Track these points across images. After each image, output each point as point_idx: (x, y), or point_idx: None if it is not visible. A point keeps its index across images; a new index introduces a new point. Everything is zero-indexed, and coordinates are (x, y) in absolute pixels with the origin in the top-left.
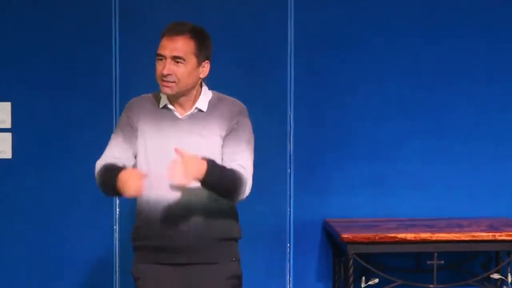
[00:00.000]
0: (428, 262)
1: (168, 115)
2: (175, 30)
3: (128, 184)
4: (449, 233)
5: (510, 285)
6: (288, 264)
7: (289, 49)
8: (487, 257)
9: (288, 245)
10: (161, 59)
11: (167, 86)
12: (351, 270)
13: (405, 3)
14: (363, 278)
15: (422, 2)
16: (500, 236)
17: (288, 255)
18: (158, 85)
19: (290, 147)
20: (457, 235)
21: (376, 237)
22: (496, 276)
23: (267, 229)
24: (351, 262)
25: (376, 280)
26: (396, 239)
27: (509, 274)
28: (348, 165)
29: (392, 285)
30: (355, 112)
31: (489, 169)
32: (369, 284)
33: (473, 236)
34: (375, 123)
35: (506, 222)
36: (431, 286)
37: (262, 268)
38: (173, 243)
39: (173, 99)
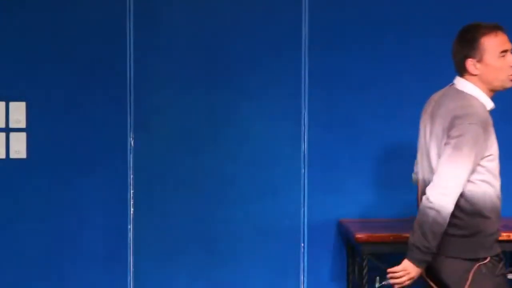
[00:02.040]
0: None
1: (491, 118)
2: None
3: None
4: None
5: None
6: (302, 264)
7: (303, 48)
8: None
9: (302, 245)
10: (505, 54)
11: None
12: (365, 271)
13: (419, 1)
14: (377, 278)
15: (436, 1)
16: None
17: (302, 255)
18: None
19: (305, 147)
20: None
21: (391, 238)
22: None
23: (281, 229)
24: (365, 262)
25: (390, 281)
26: None
27: None
28: (363, 164)
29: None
30: (369, 112)
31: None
32: (383, 284)
33: None
34: (389, 123)
35: None
36: None
37: (276, 267)
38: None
39: (491, 96)
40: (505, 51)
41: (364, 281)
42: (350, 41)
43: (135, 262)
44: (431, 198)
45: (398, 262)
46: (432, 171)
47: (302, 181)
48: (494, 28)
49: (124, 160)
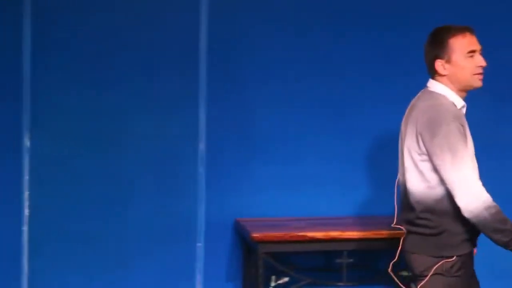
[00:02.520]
0: (337, 261)
1: (464, 116)
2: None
3: None
4: (357, 231)
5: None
6: (198, 264)
7: (201, 49)
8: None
9: (199, 244)
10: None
11: (481, 79)
12: (261, 269)
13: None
14: (273, 277)
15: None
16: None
17: (198, 255)
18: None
19: (202, 146)
20: (365, 233)
21: (286, 236)
22: (404, 273)
23: (177, 228)
24: (261, 261)
25: (286, 279)
26: (306, 238)
27: None
28: (259, 164)
29: (302, 283)
30: (265, 113)
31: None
32: (278, 283)
33: (379, 234)
34: (283, 124)
35: None
36: (341, 284)
37: (172, 268)
38: None
39: (462, 96)
40: (473, 51)
41: (260, 279)
42: (249, 42)
43: (30, 263)
44: (469, 208)
45: (294, 261)
46: (405, 172)
47: (199, 181)
48: (463, 29)
49: (18, 161)
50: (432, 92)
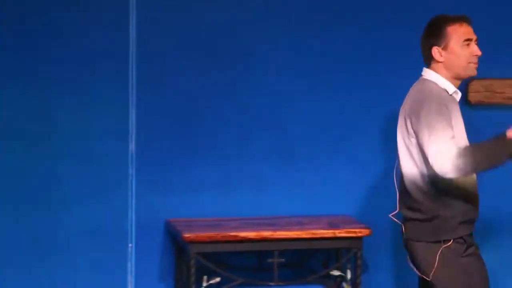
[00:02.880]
0: (269, 260)
1: (455, 101)
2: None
3: None
4: (289, 231)
5: (349, 282)
6: (130, 264)
7: (131, 48)
8: (327, 254)
9: (130, 245)
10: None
11: (476, 68)
12: (193, 270)
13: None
14: (205, 277)
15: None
16: (340, 233)
17: (129, 256)
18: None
19: (133, 147)
20: (298, 233)
21: (218, 236)
22: (336, 273)
23: (108, 229)
24: (192, 261)
25: (218, 279)
26: (238, 238)
27: (348, 270)
28: (192, 165)
29: (233, 283)
30: (195, 113)
31: (329, 167)
32: (210, 283)
33: (314, 233)
34: (216, 123)
35: (345, 219)
36: (272, 284)
37: (103, 268)
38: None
39: (456, 84)
40: (469, 39)
41: (192, 280)
42: (177, 41)
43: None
44: (446, 170)
45: (226, 261)
46: (399, 157)
47: (129, 181)
48: (460, 18)
49: None
50: (425, 80)
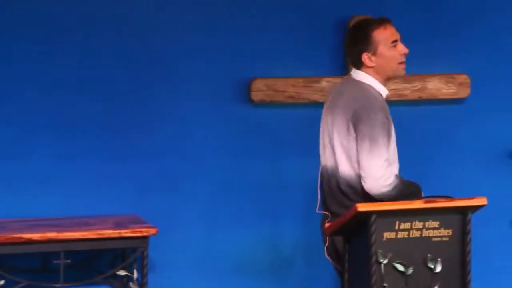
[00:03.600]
0: (55, 261)
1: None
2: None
3: None
4: (75, 231)
5: (136, 282)
6: None
7: None
8: (114, 254)
9: None
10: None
11: (404, 68)
12: None
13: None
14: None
15: None
16: (126, 233)
17: None
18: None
19: None
20: (84, 233)
21: (2, 238)
22: (122, 273)
23: None
24: None
25: (2, 282)
26: (22, 240)
27: (135, 270)
28: None
29: (18, 286)
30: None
31: (116, 167)
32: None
33: (100, 234)
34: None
35: (132, 219)
36: (57, 285)
37: None
38: None
39: (386, 85)
40: (396, 41)
41: None
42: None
43: None
44: (372, 191)
45: (11, 263)
46: (336, 158)
47: None
48: (383, 21)
49: None
50: (358, 82)
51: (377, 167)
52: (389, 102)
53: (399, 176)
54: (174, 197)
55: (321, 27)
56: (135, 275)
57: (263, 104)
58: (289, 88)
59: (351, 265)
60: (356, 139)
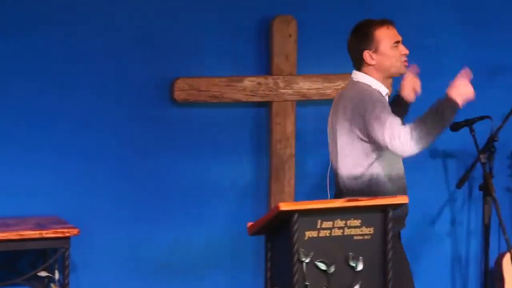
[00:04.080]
0: None
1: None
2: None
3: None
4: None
5: (57, 282)
6: None
7: None
8: (36, 255)
9: None
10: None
11: (406, 66)
12: None
13: None
14: None
15: None
16: (47, 233)
17: None
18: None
19: None
20: (4, 234)
21: None
22: (43, 274)
23: None
24: None
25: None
26: None
27: (56, 271)
28: None
29: None
30: None
31: (39, 167)
32: None
33: (21, 235)
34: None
35: (53, 220)
36: None
37: None
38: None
39: (387, 84)
40: (397, 42)
41: None
42: None
43: None
44: (408, 148)
45: None
46: (338, 156)
47: None
48: (385, 22)
49: None
50: (357, 83)
51: (392, 131)
52: None
53: (406, 124)
54: (95, 197)
55: (244, 26)
56: (57, 276)
57: (186, 103)
58: (212, 87)
59: (274, 264)
60: (368, 133)
